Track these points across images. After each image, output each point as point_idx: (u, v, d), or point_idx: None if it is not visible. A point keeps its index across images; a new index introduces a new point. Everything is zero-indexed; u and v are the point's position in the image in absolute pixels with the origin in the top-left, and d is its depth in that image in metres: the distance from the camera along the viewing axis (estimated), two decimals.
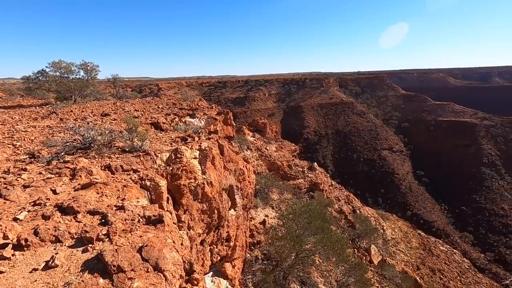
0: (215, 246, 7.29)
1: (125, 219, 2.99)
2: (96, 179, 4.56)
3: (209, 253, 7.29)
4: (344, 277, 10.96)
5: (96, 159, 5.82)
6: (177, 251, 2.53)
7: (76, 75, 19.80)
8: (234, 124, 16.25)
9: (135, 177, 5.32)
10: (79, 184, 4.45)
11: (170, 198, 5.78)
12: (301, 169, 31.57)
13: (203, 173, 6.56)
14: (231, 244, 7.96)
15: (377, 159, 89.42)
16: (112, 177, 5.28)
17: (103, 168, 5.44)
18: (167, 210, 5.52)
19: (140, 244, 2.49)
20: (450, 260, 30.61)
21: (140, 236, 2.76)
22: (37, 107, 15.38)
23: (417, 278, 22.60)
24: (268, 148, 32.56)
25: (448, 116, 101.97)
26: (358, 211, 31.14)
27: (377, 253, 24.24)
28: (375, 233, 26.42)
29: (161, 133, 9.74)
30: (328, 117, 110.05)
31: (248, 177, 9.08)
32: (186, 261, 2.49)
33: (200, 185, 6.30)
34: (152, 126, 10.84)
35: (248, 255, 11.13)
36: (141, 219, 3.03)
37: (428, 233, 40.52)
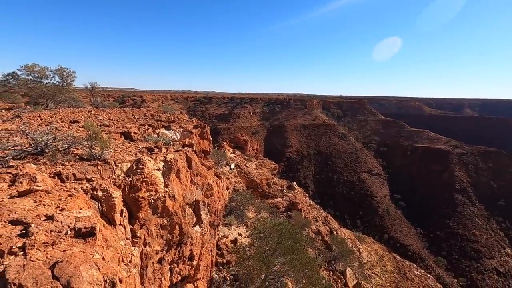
0: (175, 265, 6.83)
1: (51, 231, 2.66)
2: (38, 186, 4.16)
3: (169, 272, 6.81)
4: None
5: (47, 166, 5.39)
6: (99, 268, 2.23)
7: (51, 80, 19.12)
8: (211, 139, 16.00)
9: (86, 187, 4.94)
10: (16, 191, 4.04)
11: (125, 211, 5.38)
12: (280, 188, 31.37)
13: (166, 186, 6.23)
14: (194, 263, 7.50)
15: (356, 181, 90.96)
16: (62, 185, 4.87)
17: (52, 175, 5.03)
18: (120, 224, 5.12)
19: (55, 260, 2.18)
20: (423, 285, 30.71)
21: (63, 251, 2.44)
22: (2, 111, 14.56)
23: None
24: (248, 165, 32.30)
25: (423, 142, 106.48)
26: (335, 233, 31.01)
27: (353, 276, 23.97)
28: (351, 256, 26.26)
29: (129, 143, 9.35)
30: (310, 137, 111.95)
31: (218, 192, 8.77)
32: (108, 281, 2.20)
33: (161, 198, 5.95)
34: (122, 136, 10.42)
35: (216, 275, 10.58)
36: (69, 231, 2.71)
37: (404, 257, 40.81)
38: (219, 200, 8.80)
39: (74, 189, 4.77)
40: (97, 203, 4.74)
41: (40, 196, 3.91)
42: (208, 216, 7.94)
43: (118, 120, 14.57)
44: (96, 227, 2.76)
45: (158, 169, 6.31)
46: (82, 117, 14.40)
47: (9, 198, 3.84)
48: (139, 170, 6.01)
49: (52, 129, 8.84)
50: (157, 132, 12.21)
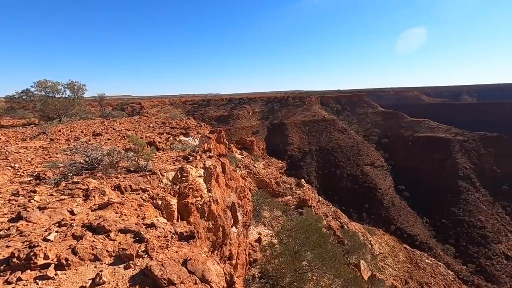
0: (222, 265, 7.29)
1: (158, 236, 3.11)
2: (112, 199, 4.61)
3: None
4: None
5: (105, 180, 5.83)
6: (218, 263, 2.68)
7: (62, 94, 19.57)
8: (226, 143, 16.46)
9: (145, 197, 5.38)
10: (94, 204, 4.48)
11: (179, 216, 5.84)
12: (289, 186, 31.83)
13: (209, 191, 6.69)
14: (233, 262, 7.96)
15: (360, 175, 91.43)
16: (122, 197, 5.32)
17: (113, 188, 5.47)
18: None
19: (181, 259, 2.62)
20: (436, 273, 31.23)
21: (176, 252, 2.88)
22: (20, 127, 14.96)
23: None
24: (256, 165, 32.75)
25: (424, 132, 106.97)
26: (346, 227, 31.50)
27: (367, 268, 24.44)
28: (364, 248, 26.73)
29: (159, 152, 9.80)
30: (311, 134, 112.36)
31: (248, 194, 9.24)
32: (227, 273, 2.63)
33: (207, 203, 6.41)
34: (148, 146, 10.89)
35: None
36: (173, 236, 3.15)
37: (412, 247, 41.33)
38: (249, 201, 9.26)
39: (135, 199, 5.22)
40: (158, 210, 5.19)
41: (118, 208, 4.36)
42: (242, 217, 8.40)
43: (136, 130, 15.06)
44: (195, 231, 3.20)
45: (200, 176, 6.76)
46: (100, 129, 14.84)
47: (92, 211, 4.29)
48: (184, 178, 6.47)
49: (83, 143, 9.29)
50: (178, 139, 12.68)
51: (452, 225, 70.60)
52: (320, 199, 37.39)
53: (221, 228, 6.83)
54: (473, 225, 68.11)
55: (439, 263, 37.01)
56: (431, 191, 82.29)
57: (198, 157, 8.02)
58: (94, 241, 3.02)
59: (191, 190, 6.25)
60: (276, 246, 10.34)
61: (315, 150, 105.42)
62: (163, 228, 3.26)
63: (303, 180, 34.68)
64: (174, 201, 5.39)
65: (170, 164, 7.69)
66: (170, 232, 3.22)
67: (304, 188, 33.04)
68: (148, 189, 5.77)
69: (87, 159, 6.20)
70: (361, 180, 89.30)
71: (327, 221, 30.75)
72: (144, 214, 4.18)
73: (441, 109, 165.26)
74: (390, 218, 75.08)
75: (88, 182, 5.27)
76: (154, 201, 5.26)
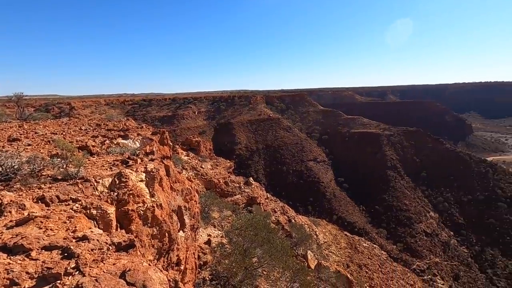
0: (167, 272, 6.95)
1: (92, 249, 2.80)
2: (34, 212, 4.03)
3: None
4: (290, 283, 11.53)
5: (24, 191, 5.07)
6: (161, 271, 2.53)
7: None
8: (171, 144, 15.76)
9: (77, 207, 4.84)
10: (11, 221, 3.86)
11: (117, 225, 5.39)
12: (238, 185, 32.00)
13: (152, 196, 6.32)
14: (182, 267, 7.68)
15: (304, 170, 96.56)
16: (47, 209, 4.70)
17: (35, 200, 4.79)
18: None
19: (119, 271, 2.41)
20: (372, 255, 34.77)
21: (114, 264, 2.64)
22: None
23: (348, 275, 24.95)
24: (203, 166, 32.13)
25: (358, 128, 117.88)
26: (293, 220, 32.97)
27: (313, 258, 25.95)
28: (310, 239, 28.31)
29: (93, 157, 8.91)
30: (257, 133, 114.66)
31: (194, 196, 9.00)
32: (171, 280, 2.50)
33: (150, 208, 6.04)
34: (80, 150, 9.83)
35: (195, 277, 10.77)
36: (110, 247, 2.88)
37: (352, 233, 45.32)
38: (196, 204, 9.03)
39: (64, 211, 4.66)
40: (92, 221, 4.72)
41: (42, 222, 3.83)
42: (190, 220, 8.15)
43: (64, 133, 13.48)
44: (135, 239, 2.98)
45: (142, 180, 6.34)
46: (18, 133, 12.92)
47: (7, 229, 3.69)
48: (122, 184, 5.99)
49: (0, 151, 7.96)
50: (115, 142, 11.72)
51: (383, 210, 79.32)
52: (268, 195, 38.45)
53: (167, 234, 6.52)
54: (400, 209, 77.51)
55: (374, 245, 41.31)
56: (366, 181, 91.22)
57: (139, 161, 7.52)
58: (10, 263, 2.59)
59: (131, 196, 5.83)
60: (226, 246, 10.30)
61: (262, 149, 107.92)
62: (97, 240, 2.96)
63: (251, 178, 35.21)
64: (111, 210, 4.95)
65: (107, 169, 7.06)
66: (106, 243, 2.94)
67: (253, 186, 33.58)
68: (80, 198, 5.20)
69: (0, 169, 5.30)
70: (306, 175, 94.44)
71: (276, 216, 31.78)
72: (75, 227, 3.75)
73: (371, 107, 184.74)
74: (332, 208, 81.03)
75: (2, 196, 4.52)
76: (88, 211, 4.76)
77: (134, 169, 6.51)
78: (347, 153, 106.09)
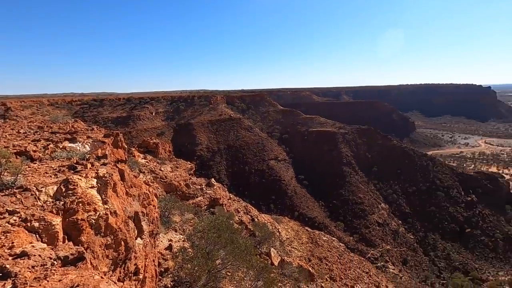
0: (122, 284, 6.52)
1: (33, 266, 2.50)
2: None
3: None
4: (254, 282, 11.61)
5: None
6: (115, 283, 2.35)
7: None
8: (126, 147, 14.87)
9: (14, 220, 4.31)
10: None
11: (65, 237, 4.92)
12: (200, 187, 31.35)
13: (105, 203, 5.88)
14: (140, 276, 7.28)
15: (266, 169, 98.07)
16: None
17: None
18: None
19: (67, 287, 2.18)
20: (331, 247, 36.54)
21: (60, 280, 2.39)
22: None
23: (310, 269, 25.93)
24: (162, 169, 30.85)
25: (316, 127, 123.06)
26: (256, 219, 33.25)
27: (276, 255, 26.46)
28: (273, 237, 28.79)
29: (34, 163, 8.04)
30: (219, 133, 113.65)
31: (153, 200, 8.60)
32: None
33: (103, 216, 5.61)
34: (17, 156, 8.81)
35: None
36: (55, 262, 2.59)
37: (313, 228, 47.19)
38: (155, 208, 8.64)
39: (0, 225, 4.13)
40: (34, 235, 4.24)
41: None
42: (148, 226, 7.77)
43: None
44: (84, 251, 2.73)
45: (93, 187, 5.87)
46: None
47: None
48: (70, 192, 5.50)
49: None
50: (61, 146, 10.74)
51: (341, 204, 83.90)
52: (231, 196, 38.28)
53: (123, 242, 6.12)
54: (355, 202, 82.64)
55: (333, 238, 43.50)
56: (324, 177, 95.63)
57: (89, 166, 6.96)
58: None
59: (80, 204, 5.36)
60: (189, 250, 10.02)
61: (223, 149, 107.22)
62: (39, 256, 2.66)
63: (213, 179, 34.73)
64: (57, 221, 4.50)
65: (51, 176, 6.42)
66: (50, 258, 2.66)
67: (215, 187, 33.16)
68: (18, 210, 4.64)
69: None
70: (267, 174, 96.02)
71: (239, 216, 31.75)
72: (12, 242, 3.33)
73: (327, 106, 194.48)
74: (294, 205, 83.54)
75: None
76: (28, 224, 4.26)
77: (84, 175, 6.01)
78: (306, 151, 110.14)
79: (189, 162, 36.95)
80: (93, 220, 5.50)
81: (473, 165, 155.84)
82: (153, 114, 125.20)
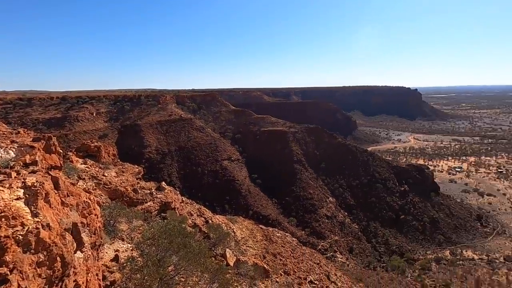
0: None
1: None
2: None
3: None
4: (209, 284, 11.41)
5: None
6: None
7: None
8: (61, 151, 13.35)
9: None
10: None
11: None
12: (149, 191, 29.67)
13: (35, 215, 5.20)
14: None
15: (219, 170, 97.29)
16: None
17: None
18: None
19: None
20: (284, 243, 37.78)
21: None
22: None
23: (265, 266, 26.43)
24: (106, 174, 28.46)
25: (267, 126, 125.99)
26: (210, 221, 32.73)
27: (232, 255, 26.40)
28: (228, 237, 28.67)
29: None
30: (169, 134, 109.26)
31: (94, 209, 7.88)
32: None
33: (33, 231, 4.95)
34: None
35: None
36: None
37: (267, 225, 48.25)
38: (97, 218, 7.93)
39: None
40: None
41: None
42: (90, 237, 7.09)
43: None
44: (9, 272, 2.36)
45: (19, 198, 5.14)
46: None
47: None
48: None
49: None
50: None
51: (293, 200, 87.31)
52: (184, 199, 37.04)
53: (58, 258, 5.48)
54: (306, 198, 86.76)
55: (286, 234, 45.03)
56: (277, 175, 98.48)
57: (14, 174, 6.09)
58: None
59: (3, 219, 4.66)
60: (138, 259, 9.41)
61: (174, 151, 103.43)
62: None
63: (163, 182, 33.19)
64: None
65: None
66: None
67: (166, 190, 31.74)
68: None
69: None
70: (221, 175, 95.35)
71: (192, 219, 30.91)
72: None
73: (278, 106, 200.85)
74: (248, 204, 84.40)
75: None
76: None
77: (7, 185, 5.24)
78: (259, 151, 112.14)
79: (136, 166, 34.66)
80: (20, 236, 4.82)
81: (405, 159, 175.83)
82: (94, 114, 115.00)
